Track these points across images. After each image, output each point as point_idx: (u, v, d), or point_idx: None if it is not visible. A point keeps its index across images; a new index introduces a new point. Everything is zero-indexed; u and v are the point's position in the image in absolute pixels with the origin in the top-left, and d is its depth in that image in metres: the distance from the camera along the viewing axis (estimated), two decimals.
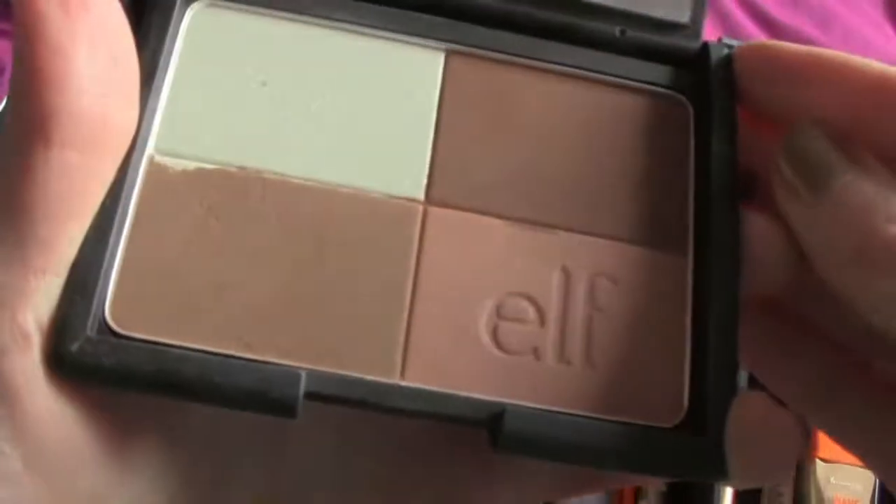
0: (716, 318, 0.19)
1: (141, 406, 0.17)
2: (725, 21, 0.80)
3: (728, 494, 0.52)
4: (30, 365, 0.15)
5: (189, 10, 0.20)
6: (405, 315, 0.19)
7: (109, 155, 0.17)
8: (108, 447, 0.16)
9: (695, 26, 0.22)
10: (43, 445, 0.15)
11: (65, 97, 0.15)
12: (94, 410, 0.16)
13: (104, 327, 0.17)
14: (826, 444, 0.52)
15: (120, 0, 0.17)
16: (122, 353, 0.17)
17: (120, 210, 0.18)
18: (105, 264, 0.17)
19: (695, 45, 0.22)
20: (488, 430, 0.18)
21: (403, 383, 0.18)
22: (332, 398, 0.17)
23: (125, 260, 0.18)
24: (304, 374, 0.17)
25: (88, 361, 0.16)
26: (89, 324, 0.17)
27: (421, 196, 0.20)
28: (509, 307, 0.19)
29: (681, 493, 0.53)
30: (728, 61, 0.21)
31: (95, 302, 0.17)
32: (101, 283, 0.17)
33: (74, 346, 0.16)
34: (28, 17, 0.16)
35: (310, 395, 0.17)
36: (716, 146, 0.20)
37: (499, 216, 0.20)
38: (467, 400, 0.18)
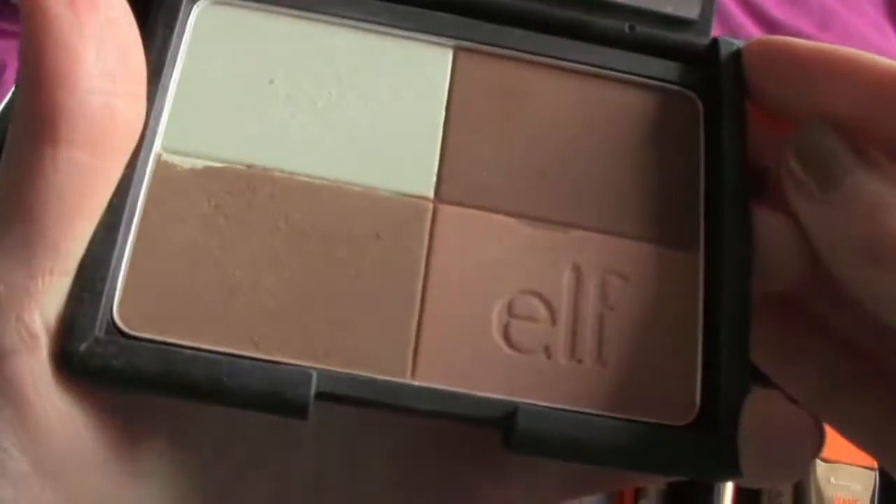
0: (728, 316, 0.19)
1: (151, 408, 0.17)
2: (725, 20, 0.80)
3: (728, 494, 0.52)
4: (37, 366, 0.15)
5: (195, 7, 0.20)
6: (416, 314, 0.18)
7: (117, 153, 0.17)
8: (117, 449, 0.16)
9: (704, 22, 0.22)
10: (50, 447, 0.15)
11: (73, 96, 0.15)
12: (102, 412, 0.16)
13: (112, 327, 0.17)
14: (826, 444, 0.52)
15: None
16: (130, 353, 0.16)
17: (128, 209, 0.17)
18: (113, 264, 0.17)
19: (704, 41, 0.22)
20: (500, 429, 0.17)
21: (415, 383, 0.18)
22: (344, 398, 0.17)
23: (133, 259, 0.17)
24: (314, 375, 0.17)
25: (97, 362, 0.16)
26: (97, 324, 0.16)
27: (431, 194, 0.20)
28: (520, 305, 0.19)
29: (681, 493, 0.53)
30: (737, 57, 0.21)
31: (104, 302, 0.17)
32: (109, 282, 0.17)
33: (82, 347, 0.16)
34: (36, 16, 0.15)
35: (321, 396, 0.17)
36: (726, 142, 0.20)
37: (509, 214, 0.20)
38: (479, 399, 0.18)
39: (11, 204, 0.15)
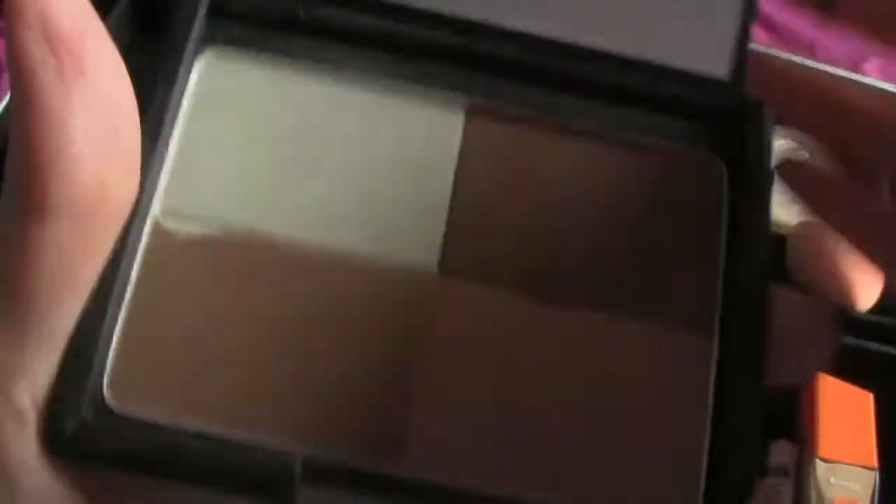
0: (738, 410, 0.18)
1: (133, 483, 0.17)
2: None
3: None
4: (24, 443, 0.15)
5: (199, 58, 0.19)
6: (410, 393, 0.18)
7: (107, 226, 0.16)
8: None
9: (734, 82, 0.20)
10: None
11: (59, 169, 0.15)
12: (88, 489, 0.16)
13: (101, 404, 0.16)
14: (826, 444, 0.52)
15: (118, 44, 0.16)
16: (118, 435, 0.16)
17: (120, 278, 0.17)
18: (103, 339, 0.16)
19: (732, 102, 0.20)
20: None
21: (403, 472, 0.17)
22: (330, 484, 0.17)
23: (125, 333, 0.17)
24: (298, 463, 0.16)
25: (84, 444, 0.16)
26: (86, 402, 0.16)
27: (434, 266, 0.19)
28: (518, 387, 0.18)
29: None
30: (764, 118, 0.20)
31: (92, 378, 0.16)
32: (98, 358, 0.16)
33: (70, 427, 0.15)
34: (22, 82, 0.15)
35: (306, 478, 0.16)
36: (751, 214, 0.19)
37: (515, 289, 0.19)
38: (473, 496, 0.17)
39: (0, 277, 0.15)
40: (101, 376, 0.16)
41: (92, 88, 0.15)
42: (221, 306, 0.17)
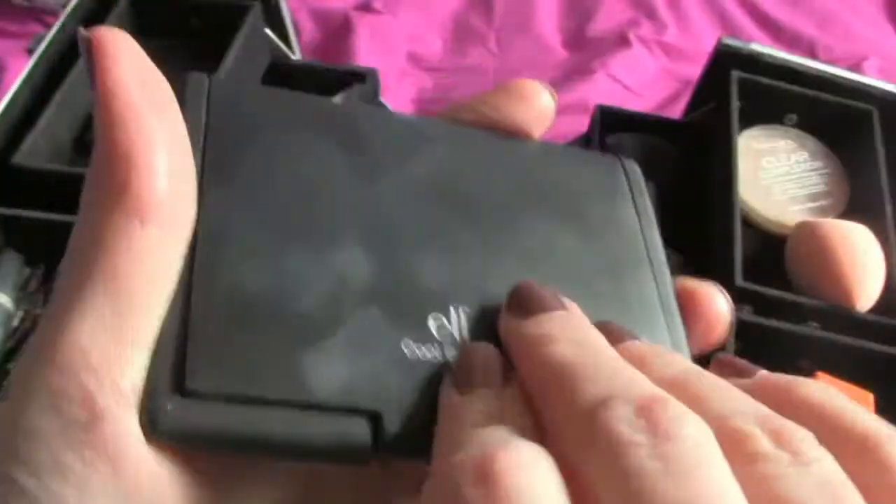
0: None
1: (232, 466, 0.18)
2: (725, 20, 0.80)
3: None
4: (131, 428, 0.16)
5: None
6: None
7: (181, 232, 0.18)
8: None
9: None
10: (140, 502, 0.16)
11: (154, 181, 0.17)
12: (191, 471, 0.17)
13: (188, 389, 0.17)
14: None
15: None
16: (211, 415, 0.17)
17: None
18: (183, 330, 0.17)
19: None
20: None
21: None
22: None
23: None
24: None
25: (181, 425, 0.16)
26: (178, 387, 0.17)
27: None
28: None
29: None
30: None
31: (179, 365, 0.17)
32: (182, 343, 0.17)
33: (167, 408, 0.16)
34: (120, 108, 0.17)
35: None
36: None
37: None
38: None
39: (101, 274, 0.17)
40: (186, 363, 0.17)
41: (173, 114, 0.18)
42: None
